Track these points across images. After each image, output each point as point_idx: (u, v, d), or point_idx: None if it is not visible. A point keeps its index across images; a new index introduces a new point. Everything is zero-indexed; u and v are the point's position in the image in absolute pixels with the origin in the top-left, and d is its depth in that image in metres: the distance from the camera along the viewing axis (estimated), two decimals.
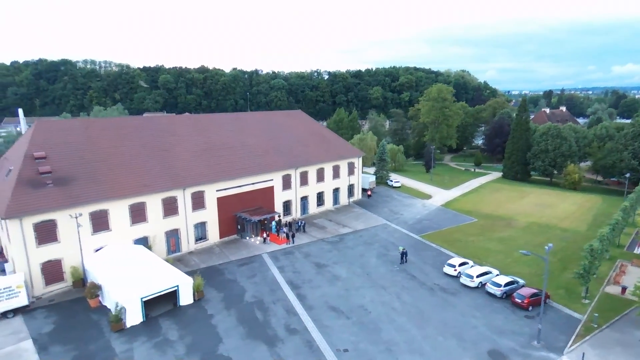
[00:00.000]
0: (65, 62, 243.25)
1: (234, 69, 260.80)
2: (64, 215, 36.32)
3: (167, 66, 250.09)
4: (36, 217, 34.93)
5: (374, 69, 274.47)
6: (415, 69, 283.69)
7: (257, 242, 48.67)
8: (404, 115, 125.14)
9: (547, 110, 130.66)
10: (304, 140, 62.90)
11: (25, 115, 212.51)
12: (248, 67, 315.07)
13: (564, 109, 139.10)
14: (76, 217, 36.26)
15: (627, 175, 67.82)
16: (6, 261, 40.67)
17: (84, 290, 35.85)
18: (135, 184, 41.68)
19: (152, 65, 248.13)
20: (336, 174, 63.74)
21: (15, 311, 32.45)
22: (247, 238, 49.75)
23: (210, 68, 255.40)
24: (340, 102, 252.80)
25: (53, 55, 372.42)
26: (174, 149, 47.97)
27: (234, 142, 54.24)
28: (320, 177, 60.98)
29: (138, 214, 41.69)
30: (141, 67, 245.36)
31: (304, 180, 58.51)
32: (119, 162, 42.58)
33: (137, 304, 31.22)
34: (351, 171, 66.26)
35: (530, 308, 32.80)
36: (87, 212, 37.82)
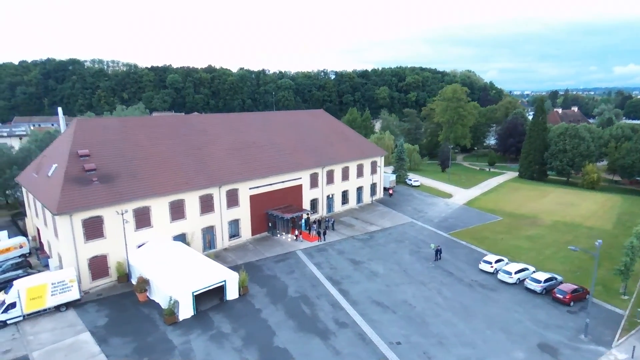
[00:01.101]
0: (73, 62, 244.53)
1: (241, 68, 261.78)
2: (110, 211, 37.09)
3: (174, 66, 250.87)
4: (85, 213, 35.71)
5: (380, 69, 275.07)
6: (422, 69, 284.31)
7: (289, 240, 49.37)
8: (417, 115, 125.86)
9: (560, 111, 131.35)
10: (329, 139, 63.62)
11: (34, 114, 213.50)
12: (255, 67, 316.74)
13: (575, 109, 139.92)
14: (122, 214, 37.04)
15: None
16: (49, 257, 41.55)
17: (129, 284, 36.84)
18: (174, 181, 42.45)
19: (159, 65, 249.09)
20: (360, 172, 64.46)
21: (67, 305, 33.21)
22: (279, 235, 50.48)
23: (218, 68, 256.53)
24: (347, 102, 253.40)
25: (61, 55, 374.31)
26: (207, 148, 48.71)
27: (263, 140, 54.97)
28: (345, 175, 61.71)
29: (177, 211, 42.46)
30: (149, 66, 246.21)
31: (330, 178, 59.25)
32: (158, 160, 43.34)
33: (189, 298, 31.97)
34: (374, 170, 66.97)
35: (572, 303, 33.47)
36: (131, 208, 38.58)
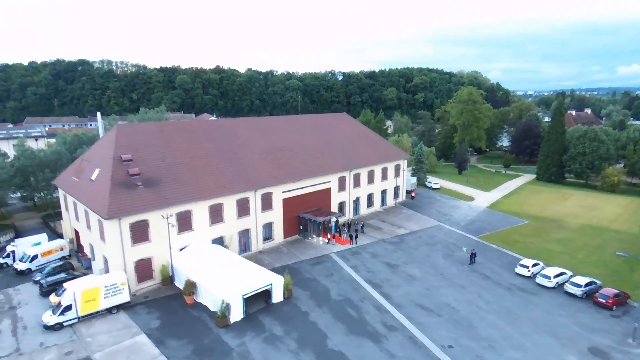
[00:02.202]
0: (82, 63, 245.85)
1: (249, 69, 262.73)
2: (155, 215, 37.82)
3: (183, 67, 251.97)
4: (132, 217, 36.46)
5: (387, 70, 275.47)
6: (429, 69, 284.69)
7: (321, 243, 50.03)
8: (431, 117, 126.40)
9: (573, 113, 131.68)
10: (354, 142, 64.23)
11: (44, 115, 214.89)
12: (262, 67, 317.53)
13: (588, 111, 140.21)
14: (167, 218, 37.77)
15: None
16: (90, 259, 42.33)
17: (173, 287, 37.62)
18: (214, 185, 43.17)
19: (168, 66, 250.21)
20: (384, 175, 65.06)
21: (118, 307, 33.97)
22: (310, 238, 51.13)
23: (226, 68, 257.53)
24: (355, 102, 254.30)
25: (69, 56, 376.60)
26: (242, 152, 49.41)
27: (293, 144, 55.62)
28: (370, 178, 62.32)
29: (216, 215, 43.19)
30: (158, 67, 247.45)
31: (356, 182, 59.87)
32: (197, 164, 44.07)
33: (240, 301, 32.66)
34: (397, 173, 67.56)
35: (614, 308, 34.01)
36: (174, 212, 39.32)
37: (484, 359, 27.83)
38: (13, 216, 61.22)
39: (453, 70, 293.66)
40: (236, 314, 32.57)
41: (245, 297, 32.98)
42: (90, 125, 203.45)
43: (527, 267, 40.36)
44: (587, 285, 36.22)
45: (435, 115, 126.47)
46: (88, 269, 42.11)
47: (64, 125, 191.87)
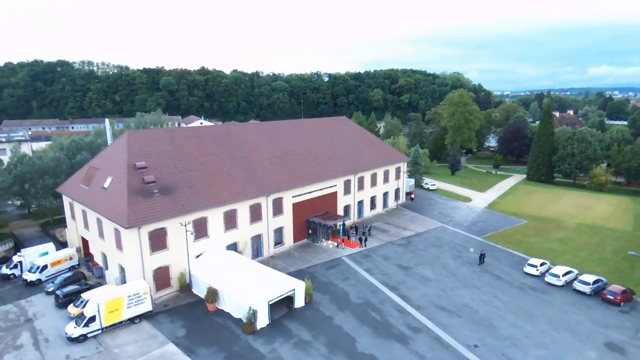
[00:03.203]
0: (62, 63, 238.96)
1: (235, 70, 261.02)
2: (173, 223, 37.63)
3: (167, 68, 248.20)
4: (150, 225, 36.19)
5: (372, 71, 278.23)
6: (413, 71, 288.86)
7: (331, 246, 50.55)
8: (422, 119, 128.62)
9: (557, 114, 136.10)
10: (357, 145, 65.02)
11: (23, 117, 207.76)
12: (248, 69, 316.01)
13: (571, 112, 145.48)
14: (185, 225, 37.63)
15: None
16: (101, 268, 41.72)
17: (191, 294, 37.57)
18: (228, 191, 43.17)
19: (152, 67, 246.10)
20: (386, 178, 66.10)
21: (140, 316, 33.69)
22: (320, 242, 51.58)
23: (211, 69, 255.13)
24: (341, 104, 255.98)
25: (48, 56, 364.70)
26: (251, 157, 49.50)
27: (299, 148, 55.98)
28: (373, 181, 63.24)
29: (230, 221, 43.21)
30: (141, 68, 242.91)
31: (360, 185, 60.68)
32: (210, 170, 43.96)
33: (265, 307, 32.89)
34: (397, 175, 68.72)
35: (622, 304, 35.76)
36: (191, 219, 39.19)
37: (510, 357, 28.93)
38: (9, 224, 59.43)
39: (434, 71, 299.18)
40: (262, 320, 32.79)
41: (270, 303, 33.26)
42: (72, 127, 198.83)
43: (535, 266, 41.91)
44: (594, 283, 37.93)
45: (425, 117, 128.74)
46: (99, 278, 41.54)
47: (44, 128, 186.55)
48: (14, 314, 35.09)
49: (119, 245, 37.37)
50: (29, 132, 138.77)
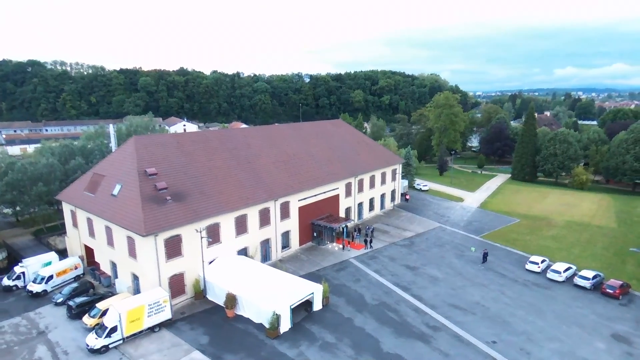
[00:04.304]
0: (33, 63, 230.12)
1: (215, 71, 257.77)
2: (188, 230, 37.42)
3: (145, 68, 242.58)
4: (166, 233, 35.90)
5: (353, 72, 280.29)
6: (392, 72, 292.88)
7: (336, 249, 51.25)
8: (408, 121, 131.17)
9: (535, 115, 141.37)
10: (355, 148, 66.00)
11: None
12: (228, 70, 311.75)
13: (548, 113, 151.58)
14: (200, 231, 37.51)
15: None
16: (109, 277, 40.97)
17: (206, 301, 37.53)
18: (238, 196, 43.20)
19: (129, 68, 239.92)
20: (383, 180, 67.39)
21: (160, 325, 33.40)
22: (325, 244, 52.18)
23: (190, 70, 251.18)
24: (323, 105, 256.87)
25: (17, 56, 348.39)
26: (256, 161, 49.60)
27: (301, 152, 56.43)
28: (372, 183, 64.38)
29: (241, 226, 43.27)
30: (118, 69, 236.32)
31: (360, 187, 61.68)
32: (218, 176, 43.85)
33: (288, 312, 33.27)
34: (393, 177, 70.18)
35: (621, 297, 38.09)
36: (205, 225, 39.06)
37: (528, 351, 30.44)
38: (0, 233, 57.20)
39: (411, 72, 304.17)
40: (284, 325, 33.15)
41: (292, 307, 33.65)
42: (46, 130, 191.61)
43: (537, 263, 43.94)
44: (594, 278, 40.19)
45: (411, 119, 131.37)
46: (108, 287, 40.77)
47: (16, 131, 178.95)
48: (25, 327, 34.09)
49: (132, 254, 36.86)
50: (3, 136, 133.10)
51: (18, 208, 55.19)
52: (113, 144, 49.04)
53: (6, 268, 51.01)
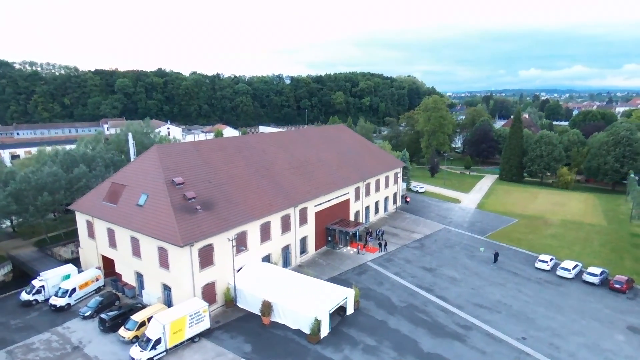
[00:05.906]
0: (0, 64, 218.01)
1: (194, 72, 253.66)
2: (219, 239, 37.60)
3: (122, 69, 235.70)
4: (200, 242, 35.96)
5: (333, 74, 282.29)
6: (371, 74, 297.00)
7: (351, 252, 52.36)
8: (396, 123, 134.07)
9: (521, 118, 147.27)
10: (360, 153, 67.35)
11: None
12: (208, 71, 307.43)
13: (527, 115, 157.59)
14: (232, 240, 37.76)
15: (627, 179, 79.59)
16: (133, 288, 40.46)
17: (237, 308, 37.93)
18: (260, 203, 43.58)
19: (105, 68, 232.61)
20: (386, 183, 69.07)
21: (199, 335, 33.49)
22: (339, 248, 53.18)
23: (168, 71, 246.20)
24: (304, 107, 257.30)
25: None
26: (273, 167, 50.06)
27: (311, 158, 57.21)
28: (377, 187, 65.92)
29: (265, 233, 43.69)
30: (93, 70, 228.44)
31: (367, 191, 63.08)
32: (240, 183, 44.10)
33: (326, 317, 34.10)
34: (395, 180, 72.03)
35: (627, 291, 41.05)
36: (234, 234, 39.27)
37: (556, 345, 32.53)
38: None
39: (381, 72, 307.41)
40: (324, 330, 33.95)
41: (330, 312, 34.50)
42: (18, 134, 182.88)
43: (546, 262, 46.54)
44: (601, 274, 43.09)
45: (399, 121, 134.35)
46: (132, 298, 40.30)
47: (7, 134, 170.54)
48: (57, 343, 33.40)
49: (163, 264, 36.70)
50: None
51: (21, 219, 53.16)
52: (132, 153, 48.17)
53: (12, 282, 49.36)
